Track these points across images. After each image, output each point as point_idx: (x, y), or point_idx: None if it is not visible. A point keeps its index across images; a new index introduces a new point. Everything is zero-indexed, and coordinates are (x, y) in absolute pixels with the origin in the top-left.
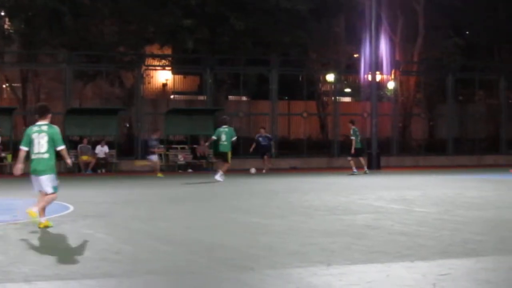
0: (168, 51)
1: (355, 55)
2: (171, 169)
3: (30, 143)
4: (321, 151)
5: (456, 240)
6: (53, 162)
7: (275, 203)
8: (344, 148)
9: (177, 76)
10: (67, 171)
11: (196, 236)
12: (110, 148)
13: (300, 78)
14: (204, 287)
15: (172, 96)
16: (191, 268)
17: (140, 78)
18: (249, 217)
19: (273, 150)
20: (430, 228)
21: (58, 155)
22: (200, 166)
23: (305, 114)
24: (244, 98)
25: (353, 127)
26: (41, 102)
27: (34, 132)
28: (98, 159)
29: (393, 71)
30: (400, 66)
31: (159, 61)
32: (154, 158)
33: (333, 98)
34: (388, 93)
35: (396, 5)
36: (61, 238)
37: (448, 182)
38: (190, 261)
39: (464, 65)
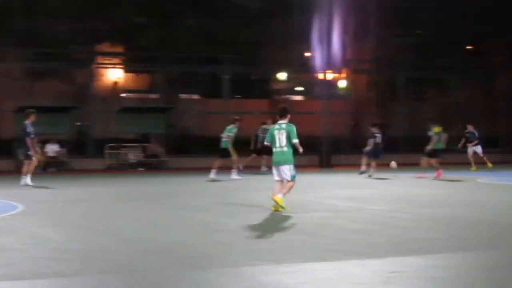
0: (120, 49)
1: (308, 54)
2: (121, 167)
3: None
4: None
5: (408, 237)
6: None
7: (227, 201)
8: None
9: (129, 74)
10: (16, 170)
11: (148, 235)
12: (61, 146)
13: (253, 77)
14: (156, 285)
15: (124, 94)
16: (143, 267)
17: (92, 76)
18: (202, 216)
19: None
20: (382, 226)
21: None
22: (151, 165)
23: (256, 113)
24: (196, 97)
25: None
26: None
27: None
28: (49, 157)
29: (345, 70)
30: (351, 65)
31: (111, 59)
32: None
33: (284, 96)
34: (340, 92)
35: (348, 4)
36: (11, 237)
37: (400, 180)
38: (142, 260)
39: (416, 64)
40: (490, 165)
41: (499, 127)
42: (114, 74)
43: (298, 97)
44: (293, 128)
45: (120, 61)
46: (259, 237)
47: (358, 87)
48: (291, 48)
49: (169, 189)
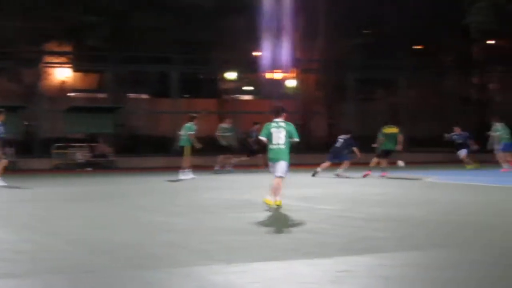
0: (68, 48)
1: (257, 53)
2: (69, 167)
3: None
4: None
5: (357, 237)
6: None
7: (177, 201)
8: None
9: (77, 74)
10: None
11: (97, 235)
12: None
13: (202, 76)
14: (105, 286)
15: (72, 94)
16: (92, 267)
17: (40, 76)
18: (152, 215)
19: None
20: (331, 225)
21: None
22: (99, 165)
23: (205, 113)
24: (145, 96)
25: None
26: None
27: None
28: None
29: (293, 69)
30: (300, 65)
31: (59, 58)
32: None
33: (233, 96)
34: (289, 91)
35: (298, 4)
36: None
37: (350, 179)
38: (91, 260)
39: (365, 64)
40: (469, 166)
41: (448, 126)
42: (62, 74)
43: (247, 97)
44: (294, 128)
45: (68, 60)
46: (209, 237)
47: (307, 87)
48: (240, 47)
49: (118, 189)
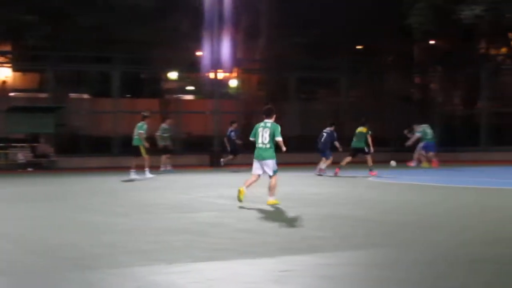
0: (8, 47)
1: (198, 53)
2: (10, 168)
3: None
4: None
5: (298, 236)
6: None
7: (118, 202)
8: (187, 145)
9: (17, 73)
10: None
11: (37, 235)
12: None
13: (143, 76)
14: (46, 287)
15: (12, 94)
16: (33, 268)
17: None
18: (93, 216)
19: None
20: (272, 225)
21: None
22: (40, 165)
23: (147, 113)
24: (86, 96)
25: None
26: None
27: None
28: None
29: (235, 69)
30: (242, 64)
31: None
32: None
33: (175, 96)
34: (231, 91)
35: (239, 3)
36: None
37: (291, 179)
38: (30, 261)
39: (307, 64)
40: (426, 165)
41: (388, 126)
42: (2, 73)
43: (189, 97)
44: (278, 127)
45: (8, 60)
46: (150, 237)
47: (249, 87)
48: (182, 47)
49: (59, 189)
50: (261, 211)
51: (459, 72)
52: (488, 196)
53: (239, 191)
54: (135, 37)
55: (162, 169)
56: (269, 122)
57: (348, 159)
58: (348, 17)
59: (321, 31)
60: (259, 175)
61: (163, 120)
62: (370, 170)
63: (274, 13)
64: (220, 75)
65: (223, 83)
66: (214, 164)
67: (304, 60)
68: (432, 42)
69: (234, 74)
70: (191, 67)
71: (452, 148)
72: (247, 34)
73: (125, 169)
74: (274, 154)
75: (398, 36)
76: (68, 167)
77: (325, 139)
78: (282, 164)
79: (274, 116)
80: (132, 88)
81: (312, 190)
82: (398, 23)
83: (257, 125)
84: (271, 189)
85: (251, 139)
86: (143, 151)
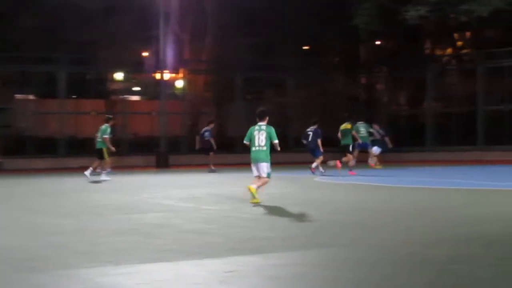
0: None
1: (144, 54)
2: None
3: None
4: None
5: (245, 237)
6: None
7: (65, 203)
8: (133, 146)
9: None
10: None
11: None
12: None
13: (89, 77)
14: None
15: None
16: None
17: None
18: (39, 217)
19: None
20: (219, 225)
21: None
22: None
23: (93, 113)
24: (31, 97)
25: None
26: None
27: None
28: None
29: (182, 70)
30: (188, 65)
31: None
32: None
33: (121, 96)
34: (177, 92)
35: (186, 3)
36: None
37: (238, 179)
38: None
39: (253, 64)
40: (377, 166)
41: (335, 126)
42: None
43: (135, 97)
44: (273, 130)
45: None
46: (97, 238)
47: (196, 87)
48: (127, 48)
49: (4, 191)
50: (208, 212)
51: (405, 72)
52: (433, 196)
53: (250, 189)
54: (81, 38)
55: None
56: (263, 124)
57: (349, 157)
58: (295, 17)
59: (268, 32)
60: (258, 177)
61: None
62: (350, 170)
63: (221, 14)
64: (166, 75)
65: (170, 84)
66: (160, 165)
67: (251, 60)
68: (378, 42)
69: (181, 75)
70: (137, 68)
71: (398, 148)
72: (193, 34)
73: (72, 170)
74: (269, 156)
75: (345, 36)
76: (13, 168)
77: (312, 138)
78: (232, 165)
79: (267, 118)
80: (78, 89)
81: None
82: (345, 24)
83: (252, 128)
84: (261, 184)
85: (246, 142)
86: (106, 154)
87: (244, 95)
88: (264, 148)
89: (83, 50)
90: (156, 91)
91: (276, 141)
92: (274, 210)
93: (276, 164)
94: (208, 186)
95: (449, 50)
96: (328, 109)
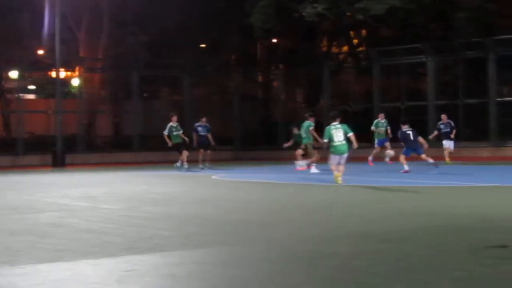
0: None
1: (40, 51)
2: None
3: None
4: (4, 149)
5: (143, 236)
6: None
7: None
8: (29, 145)
9: None
10: None
11: None
12: None
13: None
14: None
15: None
16: None
17: None
18: None
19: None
20: (116, 224)
21: None
22: None
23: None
24: None
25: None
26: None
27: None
28: None
29: (77, 68)
30: (84, 63)
31: None
32: None
33: (16, 95)
34: (73, 90)
35: (81, 2)
36: None
37: (135, 178)
38: None
39: (149, 62)
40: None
41: (232, 124)
42: None
43: (31, 96)
44: (347, 126)
45: None
46: None
47: (92, 86)
48: (23, 45)
49: None
50: (106, 211)
51: (301, 70)
52: (334, 193)
53: (336, 176)
54: None
55: None
56: (337, 124)
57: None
58: (193, 15)
59: (165, 30)
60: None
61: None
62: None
63: (117, 12)
64: (62, 74)
65: (65, 82)
66: (57, 164)
67: (147, 58)
68: (275, 40)
69: (77, 73)
70: (32, 66)
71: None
72: (89, 32)
73: None
74: (349, 148)
75: (243, 34)
76: None
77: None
78: (129, 164)
79: (339, 118)
80: None
81: (158, 189)
82: (242, 21)
83: (328, 128)
84: (342, 170)
85: (325, 140)
86: None
87: (140, 93)
88: (344, 141)
89: None
90: (52, 90)
91: (351, 134)
92: (172, 209)
93: (169, 162)
94: (105, 185)
95: (345, 48)
96: (225, 107)
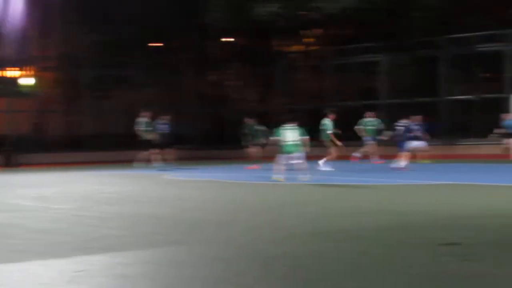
0: None
1: None
2: None
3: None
4: None
5: (95, 236)
6: None
7: None
8: None
9: None
10: None
11: None
12: None
13: None
14: None
15: None
16: None
17: None
18: None
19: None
20: (67, 224)
21: None
22: None
23: None
24: None
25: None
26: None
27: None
28: None
29: (28, 67)
30: (36, 62)
31: None
32: None
33: None
34: (24, 89)
35: None
36: None
37: (87, 178)
38: None
39: (101, 62)
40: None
41: (186, 123)
42: None
43: None
44: (303, 131)
45: None
46: None
47: (44, 85)
48: None
49: None
50: (57, 211)
51: (255, 69)
52: (286, 191)
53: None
54: None
55: None
56: (294, 126)
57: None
58: (146, 14)
59: (117, 28)
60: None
61: None
62: None
63: (69, 10)
64: (13, 73)
65: (17, 81)
66: (8, 164)
67: (99, 57)
68: (228, 39)
69: (28, 72)
70: None
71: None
72: (41, 31)
73: None
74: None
75: (197, 33)
76: None
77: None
78: (81, 163)
79: (297, 122)
80: None
81: (111, 189)
82: (195, 20)
83: (282, 128)
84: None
85: (275, 138)
86: None
87: (92, 93)
88: (295, 142)
89: None
90: (2, 89)
91: (304, 137)
92: (125, 208)
93: (121, 161)
94: (58, 185)
95: (299, 47)
96: (179, 106)
